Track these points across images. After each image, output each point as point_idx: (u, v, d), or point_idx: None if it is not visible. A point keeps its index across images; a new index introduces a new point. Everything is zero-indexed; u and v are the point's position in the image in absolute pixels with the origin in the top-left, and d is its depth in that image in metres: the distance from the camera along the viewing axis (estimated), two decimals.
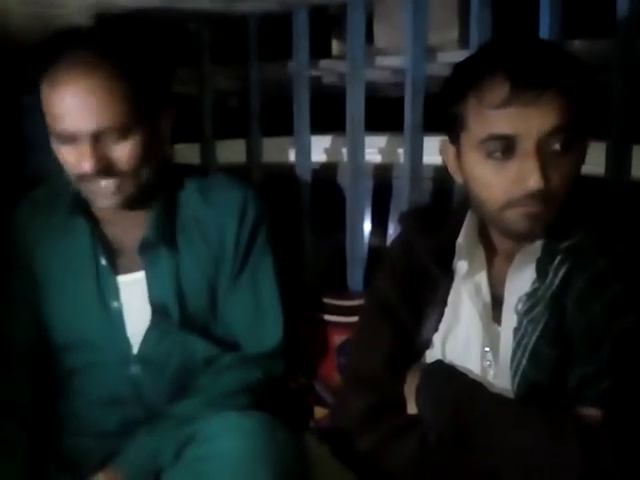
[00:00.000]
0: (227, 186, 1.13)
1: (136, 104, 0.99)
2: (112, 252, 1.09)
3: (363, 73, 1.49)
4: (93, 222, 1.08)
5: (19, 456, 1.03)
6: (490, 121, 0.83)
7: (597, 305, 0.81)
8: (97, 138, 0.97)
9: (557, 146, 0.83)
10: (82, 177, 0.99)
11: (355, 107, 1.50)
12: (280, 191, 1.56)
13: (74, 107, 0.95)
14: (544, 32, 1.29)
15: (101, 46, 0.98)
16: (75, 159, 0.99)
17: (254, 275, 1.13)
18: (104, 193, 1.00)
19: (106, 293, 1.08)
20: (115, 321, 1.08)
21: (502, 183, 0.84)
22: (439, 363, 0.87)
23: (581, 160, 0.87)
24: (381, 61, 1.56)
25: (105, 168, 0.97)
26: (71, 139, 0.97)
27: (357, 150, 1.52)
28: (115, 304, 1.08)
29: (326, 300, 1.44)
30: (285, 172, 1.64)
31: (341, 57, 1.65)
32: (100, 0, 1.25)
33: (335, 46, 1.80)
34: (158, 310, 1.08)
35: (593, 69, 0.90)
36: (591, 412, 0.79)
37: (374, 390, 0.96)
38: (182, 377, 1.10)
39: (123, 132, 0.98)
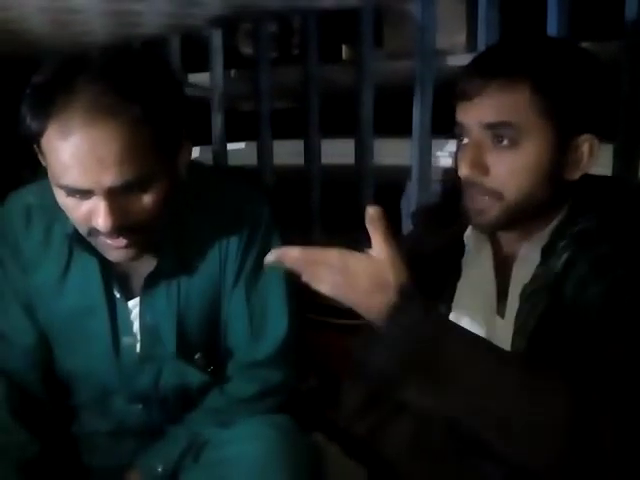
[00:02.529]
0: (234, 200, 1.02)
1: (158, 151, 0.84)
2: (122, 283, 0.99)
3: (372, 77, 1.50)
4: (99, 257, 0.94)
5: None
6: (457, 113, 0.87)
7: (597, 289, 0.80)
8: (115, 193, 0.82)
9: (499, 140, 0.83)
10: (93, 232, 0.87)
11: (365, 110, 1.52)
12: (295, 193, 1.56)
13: (91, 158, 0.79)
14: (552, 34, 1.29)
15: (120, 84, 0.81)
16: (85, 215, 0.84)
17: (254, 276, 1.03)
18: (117, 248, 0.88)
19: (119, 327, 1.00)
20: (124, 356, 1.01)
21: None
22: (416, 294, 0.79)
23: (544, 159, 0.83)
24: (391, 65, 1.57)
25: (122, 226, 0.84)
26: (84, 194, 0.82)
27: (366, 152, 1.53)
28: (126, 339, 1.01)
29: (335, 304, 1.44)
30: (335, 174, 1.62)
31: (351, 61, 1.66)
32: (117, 7, 1.27)
33: (345, 50, 1.81)
34: (149, 338, 1.00)
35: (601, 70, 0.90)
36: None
37: (374, 379, 0.96)
38: (182, 403, 1.05)
39: (144, 184, 0.84)
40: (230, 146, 1.79)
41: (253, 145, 1.74)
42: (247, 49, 1.95)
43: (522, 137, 0.83)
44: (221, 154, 1.76)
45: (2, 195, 1.04)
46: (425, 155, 1.47)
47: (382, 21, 1.61)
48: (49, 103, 0.79)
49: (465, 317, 0.96)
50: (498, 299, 0.94)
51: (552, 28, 1.30)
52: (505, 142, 0.83)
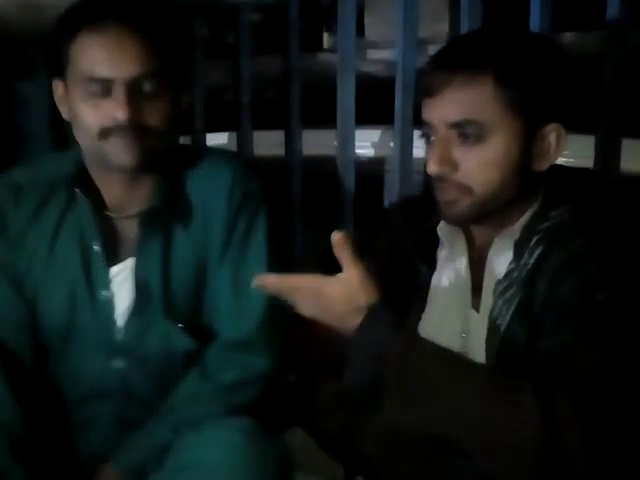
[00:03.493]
0: (215, 164, 1.09)
1: (167, 63, 1.01)
2: (108, 238, 1.06)
3: (353, 66, 1.48)
4: (94, 204, 1.05)
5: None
6: (423, 110, 0.87)
7: (570, 283, 0.80)
8: (134, 87, 0.97)
9: (464, 136, 0.83)
10: (109, 132, 0.98)
11: (346, 100, 1.50)
12: (275, 184, 1.55)
13: (118, 50, 0.96)
14: (534, 24, 1.28)
15: (140, 3, 1.02)
16: (103, 113, 0.97)
17: (240, 255, 1.08)
18: (128, 147, 0.98)
19: (96, 281, 1.06)
20: (103, 311, 1.06)
21: None
22: (383, 307, 0.81)
23: (511, 151, 0.83)
24: (372, 54, 1.56)
25: (136, 122, 0.97)
26: (104, 89, 0.97)
27: (347, 143, 1.51)
28: (105, 293, 1.06)
29: None
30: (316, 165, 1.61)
31: (332, 50, 1.64)
32: None
33: (326, 39, 1.80)
34: (142, 293, 1.05)
35: (579, 60, 0.89)
36: (548, 378, 0.77)
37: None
38: (165, 370, 1.08)
39: (156, 86, 0.99)
40: (210, 136, 1.77)
41: (233, 135, 1.72)
42: (229, 38, 1.93)
43: (488, 132, 0.83)
44: (201, 143, 1.74)
45: None
46: (406, 146, 1.45)
47: (363, 9, 1.59)
48: (85, 12, 0.98)
49: (440, 310, 0.95)
50: (473, 293, 0.93)
51: (535, 18, 1.29)
52: (471, 139, 0.83)
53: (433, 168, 0.84)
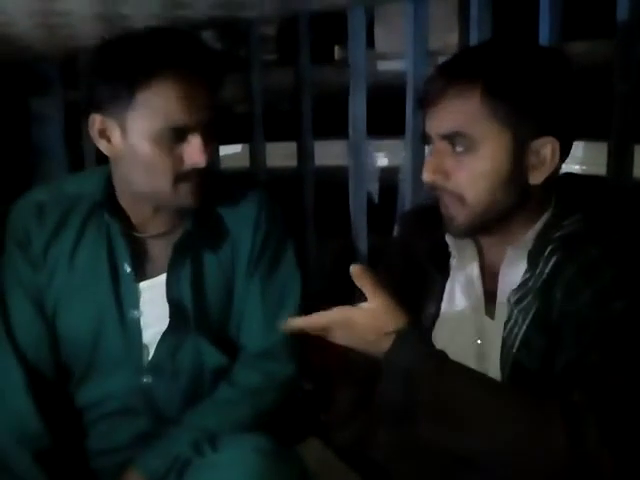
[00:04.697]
0: (242, 193, 1.13)
1: (216, 109, 1.04)
2: (138, 257, 1.08)
3: (364, 77, 1.50)
4: (125, 226, 1.08)
5: None
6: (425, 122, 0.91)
7: (586, 293, 0.80)
8: (206, 133, 1.01)
9: (455, 148, 0.85)
10: (183, 176, 1.01)
11: (357, 111, 1.51)
12: (287, 195, 1.56)
13: (193, 100, 0.98)
14: (544, 34, 1.29)
15: (199, 46, 1.04)
16: (177, 158, 1.00)
17: (269, 272, 1.13)
18: (198, 190, 1.03)
19: (125, 300, 1.07)
20: (132, 330, 1.07)
21: None
22: (411, 331, 0.83)
23: (503, 163, 0.84)
24: (382, 65, 1.57)
25: (206, 164, 1.01)
26: (179, 135, 0.99)
27: (360, 153, 1.53)
28: (134, 312, 1.08)
29: (331, 305, 1.44)
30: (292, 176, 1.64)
31: (343, 62, 1.66)
32: (105, 11, 1.26)
33: (337, 51, 1.81)
34: (176, 310, 1.07)
35: (589, 69, 0.90)
36: (578, 396, 0.78)
37: (361, 382, 0.96)
38: (193, 387, 1.10)
39: (215, 130, 1.03)
40: (223, 149, 1.79)
41: (244, 147, 1.74)
42: (240, 51, 1.95)
43: (477, 144, 0.84)
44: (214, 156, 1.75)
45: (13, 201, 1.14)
46: (418, 156, 1.46)
47: (373, 21, 1.60)
48: (154, 59, 0.98)
49: (455, 317, 0.95)
50: (486, 300, 0.93)
51: (544, 28, 1.30)
52: (461, 149, 0.85)
53: (426, 176, 0.87)
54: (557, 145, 0.84)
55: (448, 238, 0.95)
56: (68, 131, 1.73)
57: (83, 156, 1.73)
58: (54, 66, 1.78)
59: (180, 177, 1.01)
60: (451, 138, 0.85)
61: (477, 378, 0.82)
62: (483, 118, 0.83)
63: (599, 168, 1.28)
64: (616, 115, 1.24)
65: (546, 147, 0.84)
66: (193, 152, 0.99)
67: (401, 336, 0.82)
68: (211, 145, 1.02)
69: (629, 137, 1.24)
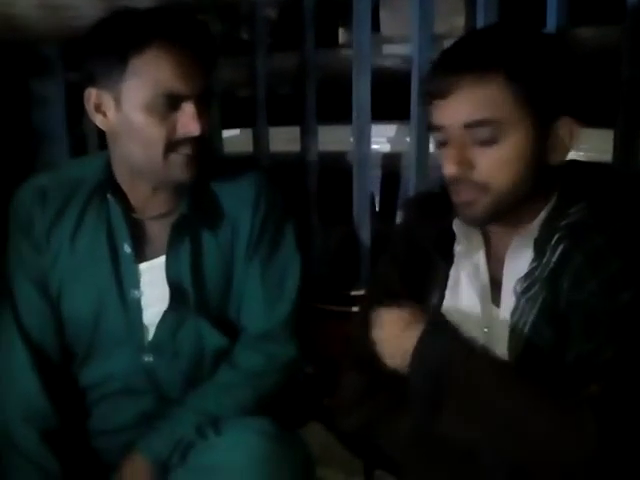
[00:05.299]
0: (241, 176, 1.14)
1: (209, 81, 1.06)
2: (137, 239, 1.09)
3: (369, 61, 1.49)
4: (125, 208, 1.08)
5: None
6: (430, 113, 0.88)
7: (594, 282, 0.80)
8: (200, 102, 1.01)
9: (480, 137, 0.83)
10: (175, 145, 1.01)
11: (362, 95, 1.50)
12: (291, 180, 1.56)
13: (187, 69, 1.00)
14: (551, 18, 1.28)
15: (196, 20, 1.07)
16: (171, 127, 1.00)
17: (269, 254, 1.13)
18: (190, 162, 1.03)
19: (126, 281, 1.09)
20: (132, 309, 1.09)
21: (443, 169, 0.88)
22: (442, 321, 0.86)
23: (527, 147, 0.84)
24: (388, 49, 1.56)
25: (200, 134, 1.01)
26: (173, 104, 1.00)
27: (364, 139, 1.52)
28: (135, 292, 1.09)
29: (334, 291, 1.44)
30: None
31: (348, 46, 1.64)
32: None
33: (342, 34, 1.79)
34: (176, 291, 1.08)
35: (596, 54, 0.89)
36: (593, 390, 0.78)
37: (371, 369, 0.97)
38: (193, 368, 1.11)
39: (209, 100, 1.05)
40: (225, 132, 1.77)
41: (246, 132, 1.73)
42: (244, 34, 1.94)
43: (502, 130, 0.83)
44: (217, 140, 1.74)
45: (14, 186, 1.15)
46: (423, 141, 1.45)
47: (379, 5, 1.59)
48: (146, 30, 0.99)
49: (462, 307, 0.95)
50: (492, 288, 0.93)
51: (551, 12, 1.29)
52: (486, 137, 0.83)
53: (451, 170, 0.85)
54: (574, 124, 0.85)
55: (456, 225, 0.95)
56: (70, 113, 1.72)
57: (85, 139, 1.72)
58: (55, 48, 1.76)
59: (172, 146, 1.01)
60: (476, 126, 0.83)
61: (505, 368, 0.83)
62: (507, 103, 0.82)
63: (605, 155, 1.27)
64: (623, 101, 1.23)
65: (564, 128, 0.85)
66: (187, 120, 1.00)
67: (432, 325, 0.84)
68: (205, 115, 1.02)
69: (636, 124, 1.24)
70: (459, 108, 0.83)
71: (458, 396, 0.80)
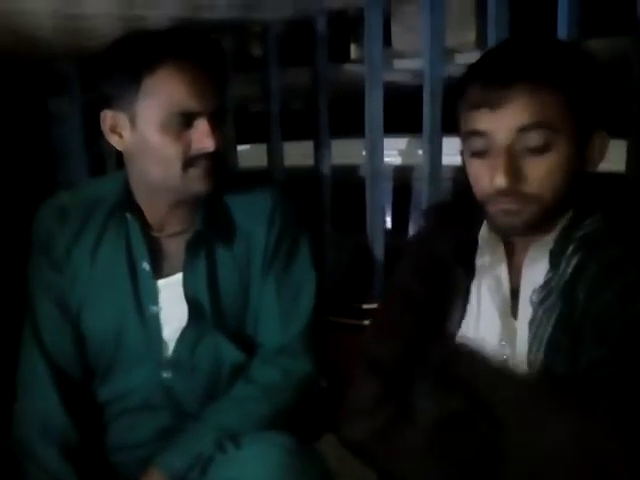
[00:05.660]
0: (256, 191, 1.15)
1: (222, 98, 1.08)
2: (155, 256, 1.11)
3: (381, 76, 1.50)
4: (142, 225, 1.10)
5: None
6: (470, 120, 0.86)
7: (609, 292, 0.80)
8: (213, 119, 1.03)
9: (532, 144, 0.83)
10: (192, 161, 1.03)
11: (374, 109, 1.51)
12: (305, 194, 1.57)
13: (199, 87, 1.02)
14: (562, 31, 1.28)
15: (207, 39, 1.10)
16: (186, 143, 1.03)
17: (285, 269, 1.14)
18: (208, 175, 1.05)
19: (144, 297, 1.10)
20: (151, 325, 1.10)
21: (482, 179, 0.87)
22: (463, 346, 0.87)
23: (570, 157, 0.84)
24: (399, 64, 1.57)
25: (218, 148, 1.04)
26: (186, 121, 1.02)
27: (376, 152, 1.53)
28: (153, 309, 1.10)
29: (347, 304, 1.45)
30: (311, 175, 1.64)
31: (359, 61, 1.66)
32: (125, 13, 1.28)
33: (353, 50, 1.81)
34: (194, 307, 1.09)
35: (609, 66, 0.90)
36: (597, 394, 0.78)
37: (387, 376, 0.96)
38: (211, 383, 1.12)
39: (222, 116, 1.07)
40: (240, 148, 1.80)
41: (258, 147, 1.75)
42: (256, 51, 1.96)
43: (554, 137, 0.83)
44: (231, 155, 1.77)
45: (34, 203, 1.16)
46: (435, 154, 1.46)
47: (390, 19, 1.60)
48: (158, 50, 1.01)
49: (483, 318, 0.95)
50: (511, 299, 0.93)
51: (562, 25, 1.29)
52: (538, 145, 0.83)
53: (501, 182, 0.83)
54: (606, 136, 0.86)
55: (482, 237, 0.94)
56: (87, 131, 1.75)
57: (103, 156, 1.75)
58: (73, 67, 1.79)
59: (189, 162, 1.03)
60: (530, 130, 0.82)
61: (534, 384, 0.84)
62: (557, 113, 0.82)
63: (617, 166, 1.27)
64: (635, 112, 1.23)
65: (599, 139, 0.86)
66: (201, 136, 1.02)
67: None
68: (219, 131, 1.04)
69: None
70: (514, 113, 0.82)
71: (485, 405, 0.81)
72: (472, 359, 0.86)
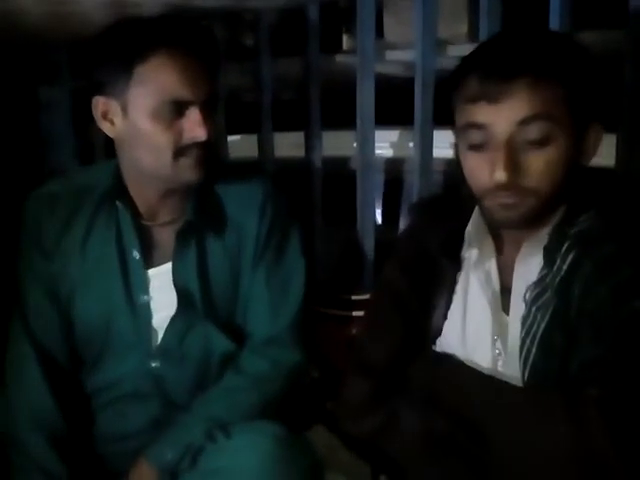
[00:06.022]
0: (247, 182, 1.15)
1: (214, 87, 1.07)
2: (146, 245, 1.10)
3: (373, 67, 1.49)
4: (134, 214, 1.09)
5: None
6: (467, 113, 0.86)
7: (604, 290, 0.80)
8: (205, 108, 1.02)
9: (532, 137, 0.82)
10: (183, 150, 1.02)
11: (365, 101, 1.51)
12: (295, 185, 1.57)
13: (191, 75, 1.01)
14: (554, 23, 1.28)
15: (200, 27, 1.08)
16: (181, 131, 1.02)
17: (275, 259, 1.14)
18: (198, 164, 1.04)
19: (135, 286, 1.09)
20: (142, 314, 1.09)
21: (479, 173, 0.86)
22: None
23: (568, 150, 0.84)
24: (391, 55, 1.57)
25: (210, 136, 1.03)
26: (178, 110, 1.01)
27: (367, 144, 1.53)
28: (144, 298, 1.09)
29: (337, 295, 1.45)
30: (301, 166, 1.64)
31: (351, 52, 1.65)
32: None
33: (345, 40, 1.81)
34: (183, 296, 1.09)
35: (601, 59, 0.89)
36: (591, 392, 0.78)
37: (379, 376, 0.96)
38: (201, 372, 1.12)
39: (214, 105, 1.06)
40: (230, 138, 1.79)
41: (249, 137, 1.74)
42: (248, 40, 1.95)
43: (554, 131, 0.82)
44: (221, 145, 1.76)
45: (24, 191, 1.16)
46: (427, 146, 1.46)
47: (382, 11, 1.60)
48: (150, 38, 1.00)
49: (473, 314, 0.95)
50: (501, 295, 0.93)
51: (554, 18, 1.29)
52: (538, 137, 0.82)
53: (503, 176, 0.82)
54: (600, 130, 0.86)
55: (470, 231, 0.94)
56: (77, 119, 1.74)
57: (93, 144, 1.74)
58: (63, 54, 1.78)
59: (180, 151, 1.02)
60: (531, 123, 0.81)
61: (487, 380, 0.85)
62: (557, 106, 0.82)
63: (607, 160, 1.28)
64: (626, 107, 1.23)
65: (594, 133, 0.86)
66: (192, 126, 1.01)
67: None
68: (211, 120, 1.03)
69: (639, 128, 1.24)
70: (513, 106, 0.81)
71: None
72: (456, 374, 0.86)
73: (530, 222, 0.88)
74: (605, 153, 1.27)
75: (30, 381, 1.08)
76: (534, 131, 0.82)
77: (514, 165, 0.83)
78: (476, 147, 0.86)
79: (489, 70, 0.83)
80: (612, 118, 1.24)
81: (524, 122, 0.82)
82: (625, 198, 0.89)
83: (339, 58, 1.67)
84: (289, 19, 1.71)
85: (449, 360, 0.89)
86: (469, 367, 0.88)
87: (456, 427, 0.85)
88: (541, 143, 0.82)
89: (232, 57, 1.77)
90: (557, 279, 0.85)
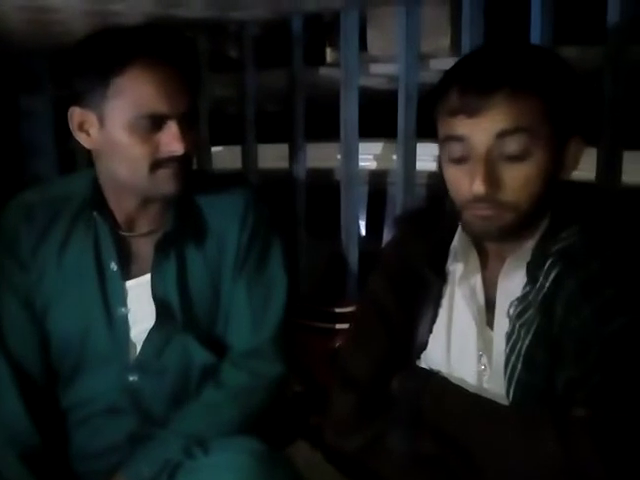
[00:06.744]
0: (229, 191, 1.14)
1: (194, 99, 1.06)
2: (124, 256, 1.09)
3: (357, 80, 1.50)
4: (112, 225, 1.08)
5: None
6: (448, 125, 0.86)
7: (587, 309, 0.81)
8: (183, 122, 1.01)
9: (511, 150, 0.82)
10: (159, 164, 1.01)
11: (349, 114, 1.51)
12: (279, 197, 1.56)
13: (169, 89, 0.99)
14: (535, 38, 1.30)
15: (180, 37, 1.08)
16: (158, 145, 1.00)
17: (256, 271, 1.13)
18: (177, 177, 1.03)
19: (112, 298, 1.08)
20: (119, 327, 1.08)
21: (459, 185, 0.87)
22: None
23: (548, 164, 0.84)
24: (375, 68, 1.57)
25: (186, 152, 1.02)
26: (155, 124, 0.99)
27: (351, 156, 1.53)
28: (122, 310, 1.08)
29: (320, 307, 1.44)
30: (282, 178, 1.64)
31: (335, 64, 1.66)
32: (95, 6, 1.26)
33: (329, 53, 1.81)
34: (162, 308, 1.07)
35: (581, 74, 0.90)
36: (578, 412, 0.78)
37: (363, 391, 0.96)
38: (180, 386, 1.10)
39: (193, 118, 1.04)
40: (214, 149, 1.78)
41: (232, 149, 1.74)
42: (232, 52, 1.95)
43: (532, 145, 0.82)
44: (205, 157, 1.75)
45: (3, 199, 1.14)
46: (410, 159, 1.46)
47: (366, 24, 1.61)
48: (128, 49, 0.99)
49: (458, 329, 0.95)
50: (485, 309, 0.93)
51: (535, 32, 1.30)
52: (516, 151, 0.82)
53: (481, 189, 0.82)
54: (581, 143, 0.86)
55: (455, 246, 0.94)
56: (58, 128, 1.72)
57: (74, 153, 1.72)
58: (44, 63, 1.76)
59: (157, 164, 1.01)
60: (510, 136, 0.81)
61: (474, 398, 0.86)
62: (536, 119, 0.82)
63: (587, 173, 1.29)
64: (606, 120, 1.24)
65: (574, 147, 0.86)
66: (170, 139, 1.00)
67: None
68: (190, 134, 1.02)
69: (619, 143, 1.25)
70: (493, 119, 0.82)
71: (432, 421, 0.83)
72: (443, 393, 0.86)
73: (509, 235, 0.88)
74: (585, 167, 1.28)
75: (4, 397, 1.06)
76: (513, 144, 0.82)
77: (493, 178, 0.83)
78: (456, 160, 0.86)
79: (468, 83, 0.84)
80: (592, 132, 1.25)
81: (503, 134, 0.82)
82: (609, 213, 0.89)
83: (323, 71, 1.67)
84: (273, 31, 1.71)
85: (435, 379, 0.88)
86: (456, 385, 0.87)
87: (443, 447, 0.85)
88: (520, 157, 0.83)
89: (216, 69, 1.76)
90: (540, 296, 0.85)
